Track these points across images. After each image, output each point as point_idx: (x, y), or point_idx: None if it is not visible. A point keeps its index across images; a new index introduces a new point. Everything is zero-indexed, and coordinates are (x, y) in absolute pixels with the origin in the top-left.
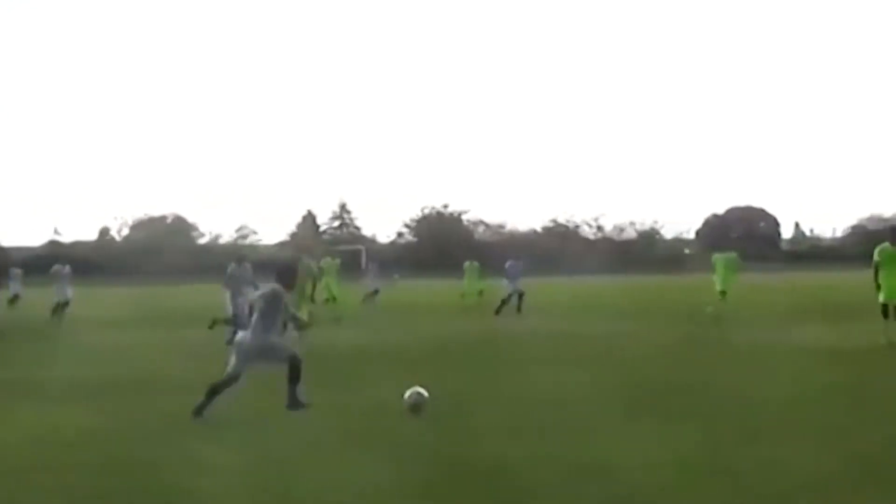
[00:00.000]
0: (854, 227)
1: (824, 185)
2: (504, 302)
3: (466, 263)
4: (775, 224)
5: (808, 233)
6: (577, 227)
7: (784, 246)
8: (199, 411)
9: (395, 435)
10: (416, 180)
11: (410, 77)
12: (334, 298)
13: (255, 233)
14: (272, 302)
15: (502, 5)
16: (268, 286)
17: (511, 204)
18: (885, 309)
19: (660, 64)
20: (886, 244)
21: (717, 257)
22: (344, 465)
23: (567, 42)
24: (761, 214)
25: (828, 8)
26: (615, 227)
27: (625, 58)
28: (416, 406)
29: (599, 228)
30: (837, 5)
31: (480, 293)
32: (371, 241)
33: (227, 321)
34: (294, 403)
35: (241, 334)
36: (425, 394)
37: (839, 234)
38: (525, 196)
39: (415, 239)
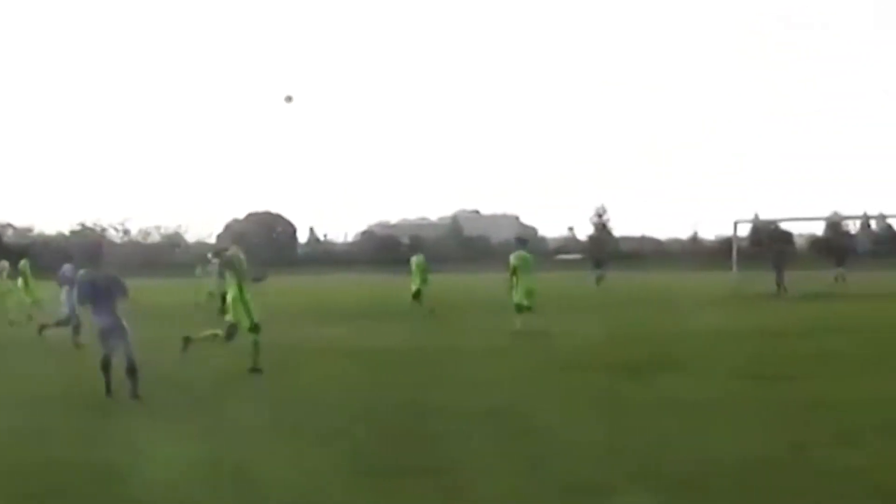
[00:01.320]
0: (364, 233)
1: (336, 193)
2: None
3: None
4: (292, 229)
5: (321, 238)
6: (104, 230)
7: (300, 250)
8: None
9: None
10: None
11: None
12: None
13: None
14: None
15: None
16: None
17: (37, 206)
18: (519, 307)
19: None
20: (521, 251)
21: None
22: None
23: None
24: (279, 220)
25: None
26: (141, 231)
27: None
28: None
29: (126, 232)
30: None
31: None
32: None
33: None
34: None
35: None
36: None
37: (350, 238)
38: (52, 198)
39: None
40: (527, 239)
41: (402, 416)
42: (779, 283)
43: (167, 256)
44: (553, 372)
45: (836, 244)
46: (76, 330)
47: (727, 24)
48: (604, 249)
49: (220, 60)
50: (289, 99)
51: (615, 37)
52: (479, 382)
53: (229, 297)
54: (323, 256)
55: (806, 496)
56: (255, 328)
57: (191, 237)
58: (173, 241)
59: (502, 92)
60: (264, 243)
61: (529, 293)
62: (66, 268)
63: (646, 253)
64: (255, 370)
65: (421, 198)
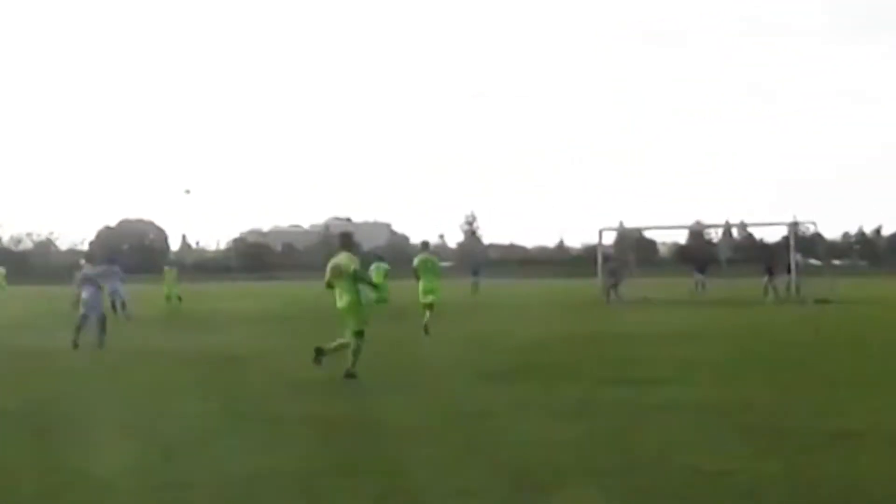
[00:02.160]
0: (236, 241)
1: (209, 201)
2: None
3: None
4: (164, 236)
5: (194, 245)
6: None
7: (172, 257)
8: None
9: None
10: None
11: None
12: None
13: None
14: None
15: None
16: None
17: None
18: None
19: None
20: (424, 254)
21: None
22: None
23: None
24: (151, 227)
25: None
26: (12, 238)
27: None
28: None
29: None
30: None
31: None
32: None
33: None
34: None
35: None
36: None
37: (223, 246)
38: None
39: None
40: (429, 241)
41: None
42: (609, 290)
43: (40, 263)
44: (410, 378)
45: (697, 252)
46: None
47: (580, 37)
48: (476, 257)
49: (90, 65)
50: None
51: (481, 46)
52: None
53: (345, 303)
54: (194, 263)
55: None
56: (359, 334)
57: (63, 244)
58: (45, 248)
59: (375, 100)
60: (136, 250)
61: (429, 292)
62: None
63: (513, 260)
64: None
65: (293, 205)
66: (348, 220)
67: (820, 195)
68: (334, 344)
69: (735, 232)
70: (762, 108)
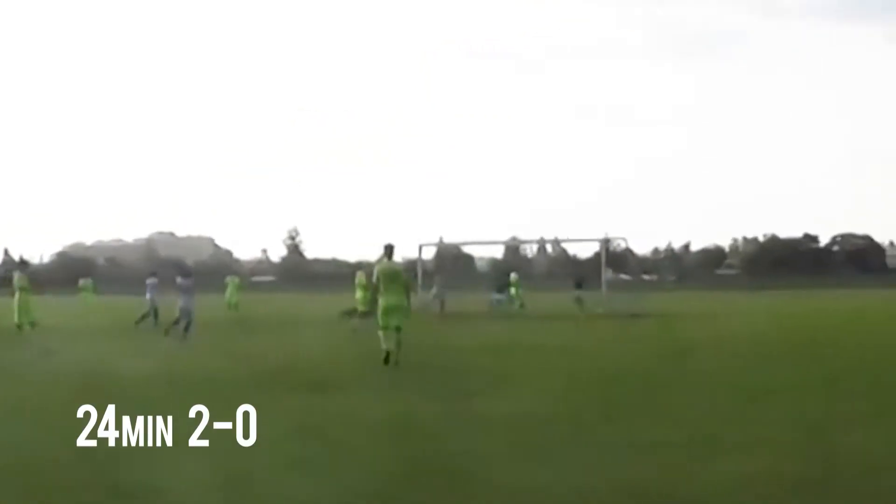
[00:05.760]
0: (59, 254)
1: (32, 214)
2: None
3: None
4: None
5: (16, 259)
6: None
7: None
8: None
9: None
10: None
11: None
12: None
13: None
14: None
15: None
16: None
17: None
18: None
19: None
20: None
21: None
22: None
23: None
24: None
25: None
26: None
27: None
28: None
29: None
30: None
31: None
32: None
33: None
34: None
35: None
36: None
37: (46, 259)
38: None
39: None
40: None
41: None
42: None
43: None
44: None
45: (513, 268)
46: None
47: (399, 51)
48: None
49: None
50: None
51: (304, 61)
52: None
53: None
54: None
55: None
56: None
57: None
58: None
59: (197, 113)
60: None
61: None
62: None
63: (336, 275)
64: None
65: (116, 220)
66: (171, 234)
67: (631, 212)
68: None
69: (550, 248)
70: (576, 125)
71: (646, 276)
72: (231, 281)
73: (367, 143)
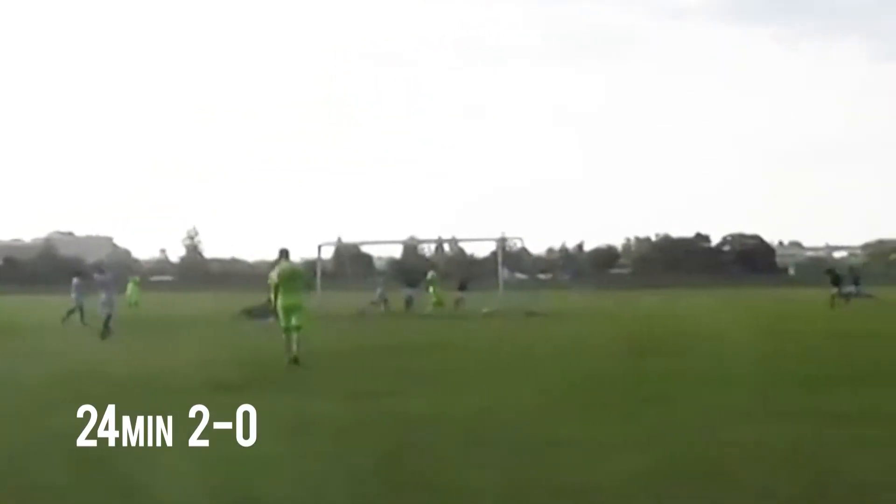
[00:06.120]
0: None
1: None
2: None
3: None
4: None
5: None
6: None
7: None
8: None
9: None
10: None
11: None
12: None
13: None
14: None
15: None
16: None
17: None
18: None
19: None
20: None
21: None
22: None
23: None
24: None
25: None
26: None
27: None
28: None
29: None
30: None
31: None
32: None
33: None
34: None
35: None
36: None
37: None
38: None
39: None
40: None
41: None
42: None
43: None
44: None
45: (411, 267)
46: None
47: (301, 54)
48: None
49: None
50: None
51: (211, 62)
52: None
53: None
54: None
55: None
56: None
57: None
58: None
59: (97, 113)
60: None
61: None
62: None
63: (235, 274)
64: None
65: (14, 219)
66: (70, 233)
67: (527, 211)
68: None
69: (447, 247)
70: (469, 125)
71: (541, 276)
72: (132, 280)
73: (266, 144)
